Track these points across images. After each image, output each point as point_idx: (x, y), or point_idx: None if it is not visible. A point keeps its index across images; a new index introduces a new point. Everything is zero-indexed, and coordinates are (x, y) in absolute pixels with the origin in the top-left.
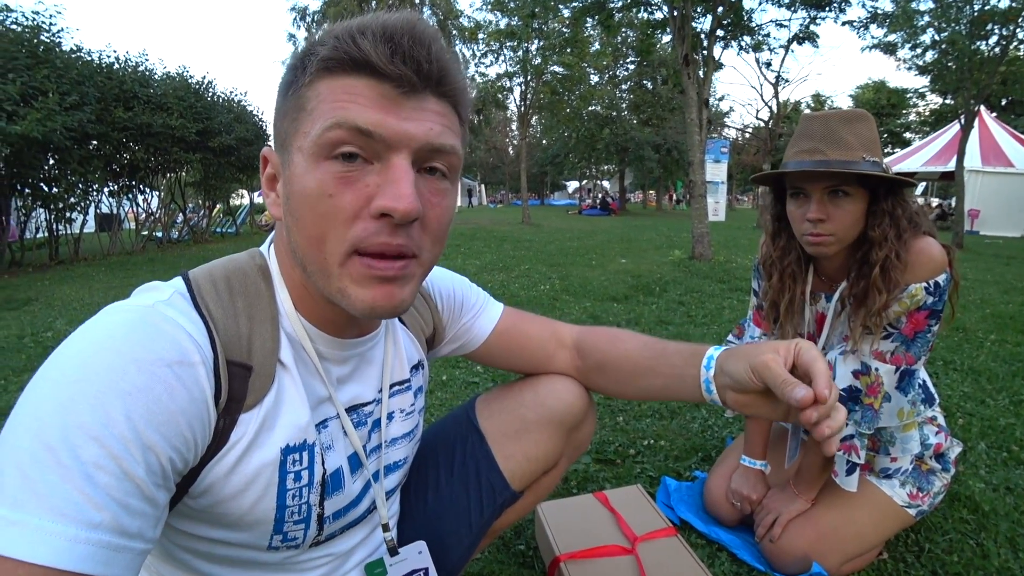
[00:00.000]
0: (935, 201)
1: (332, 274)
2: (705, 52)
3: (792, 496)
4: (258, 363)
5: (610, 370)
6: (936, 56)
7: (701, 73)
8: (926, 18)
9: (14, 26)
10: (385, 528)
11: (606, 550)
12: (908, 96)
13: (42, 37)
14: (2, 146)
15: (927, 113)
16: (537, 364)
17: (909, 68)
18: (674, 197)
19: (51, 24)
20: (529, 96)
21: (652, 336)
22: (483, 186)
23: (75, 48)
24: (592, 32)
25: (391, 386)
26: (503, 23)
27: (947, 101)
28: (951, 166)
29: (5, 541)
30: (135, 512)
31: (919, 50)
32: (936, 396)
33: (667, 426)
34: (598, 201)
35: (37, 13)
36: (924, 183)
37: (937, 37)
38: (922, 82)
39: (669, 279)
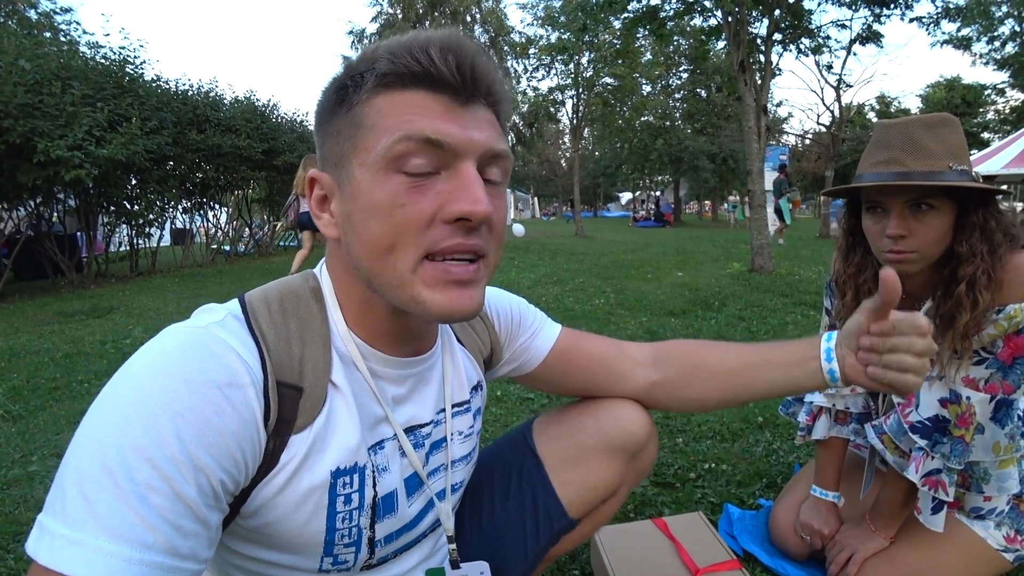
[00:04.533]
0: (1019, 206)
1: (404, 282)
2: (762, 57)
3: (869, 532)
4: (309, 384)
5: (706, 378)
6: (1016, 48)
7: (758, 79)
8: (1004, 8)
9: (102, 60)
10: (450, 540)
11: None
12: (986, 93)
13: (127, 69)
14: (92, 168)
15: (1007, 111)
16: (601, 385)
17: (986, 63)
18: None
19: (135, 57)
20: (581, 108)
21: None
22: (536, 198)
23: (155, 77)
24: (644, 42)
25: (451, 407)
26: (554, 37)
27: None
28: None
29: (65, 560)
30: (187, 533)
31: (997, 43)
32: None
33: (729, 449)
34: (652, 212)
35: (123, 48)
36: (1006, 186)
37: (1017, 28)
38: (1001, 77)
39: (728, 293)
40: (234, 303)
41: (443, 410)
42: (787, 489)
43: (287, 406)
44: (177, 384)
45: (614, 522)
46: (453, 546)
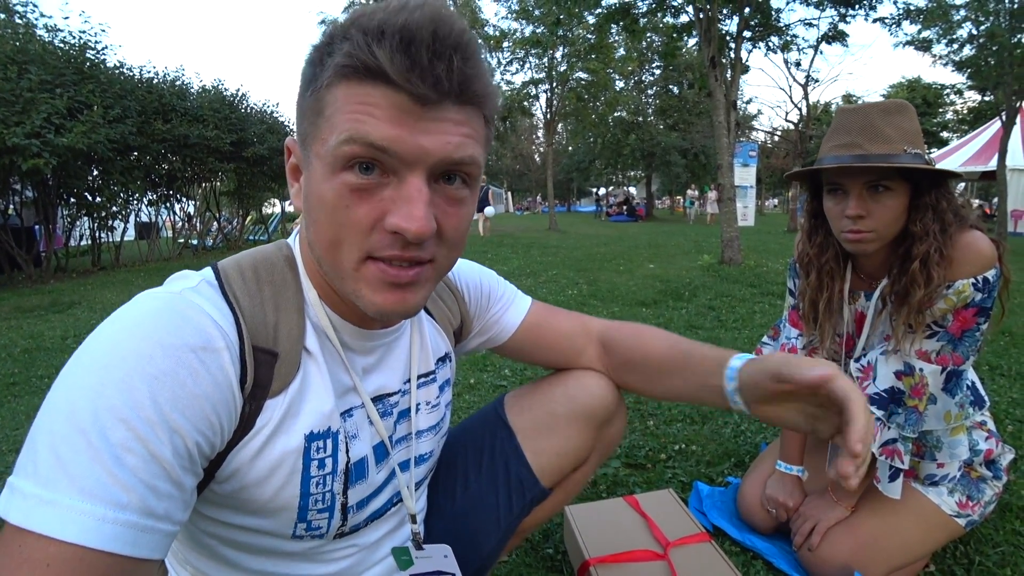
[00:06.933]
0: (976, 202)
1: (347, 276)
2: (732, 54)
3: (831, 503)
4: (284, 350)
5: (635, 368)
6: (974, 51)
7: (728, 75)
8: (962, 12)
9: (61, 44)
10: (412, 520)
11: (637, 555)
12: (945, 93)
13: (88, 55)
14: (50, 157)
15: (965, 111)
16: (566, 359)
17: (945, 64)
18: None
19: (96, 42)
20: (555, 103)
21: (680, 336)
22: (510, 193)
23: (118, 64)
24: (617, 38)
25: (416, 377)
26: (528, 31)
27: (986, 98)
28: (992, 165)
29: (38, 519)
30: (162, 494)
31: (955, 45)
32: (986, 399)
33: (699, 431)
34: (624, 207)
35: (83, 32)
36: (964, 183)
37: (975, 31)
38: (959, 78)
39: (699, 284)
40: (207, 270)
41: (409, 380)
42: (754, 466)
43: (263, 370)
44: (152, 347)
45: (586, 500)
46: (416, 527)
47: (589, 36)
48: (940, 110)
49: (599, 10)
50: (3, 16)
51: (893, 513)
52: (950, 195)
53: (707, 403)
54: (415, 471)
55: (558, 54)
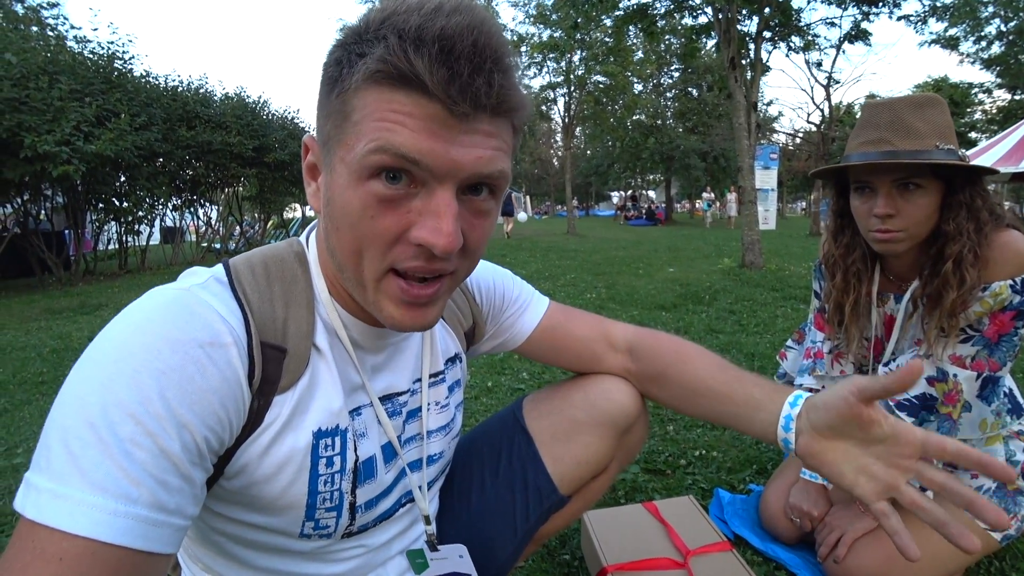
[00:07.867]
0: (1006, 204)
1: (368, 288)
2: (752, 55)
3: (858, 513)
4: (292, 346)
5: (671, 385)
6: (1003, 48)
7: (748, 76)
8: (990, 8)
9: (91, 55)
10: (426, 521)
11: (656, 563)
12: (973, 92)
13: (116, 64)
14: (80, 164)
15: (994, 110)
16: (583, 364)
17: (973, 62)
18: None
19: (124, 52)
20: (573, 106)
21: (727, 361)
22: (528, 197)
23: (144, 73)
24: (635, 40)
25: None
26: (546, 35)
27: (1017, 96)
28: (1023, 166)
29: (51, 513)
30: (172, 489)
31: (983, 43)
32: None
33: (720, 436)
34: (643, 211)
35: (112, 43)
36: (994, 184)
37: (1003, 28)
38: (988, 77)
39: (719, 287)
40: (218, 267)
41: (419, 380)
42: (777, 473)
43: (271, 366)
44: (159, 343)
45: (604, 506)
46: (431, 528)
47: (607, 39)
48: (968, 110)
49: (617, 12)
50: (36, 29)
51: (923, 525)
52: (985, 193)
53: (745, 428)
54: (426, 471)
55: (576, 58)
